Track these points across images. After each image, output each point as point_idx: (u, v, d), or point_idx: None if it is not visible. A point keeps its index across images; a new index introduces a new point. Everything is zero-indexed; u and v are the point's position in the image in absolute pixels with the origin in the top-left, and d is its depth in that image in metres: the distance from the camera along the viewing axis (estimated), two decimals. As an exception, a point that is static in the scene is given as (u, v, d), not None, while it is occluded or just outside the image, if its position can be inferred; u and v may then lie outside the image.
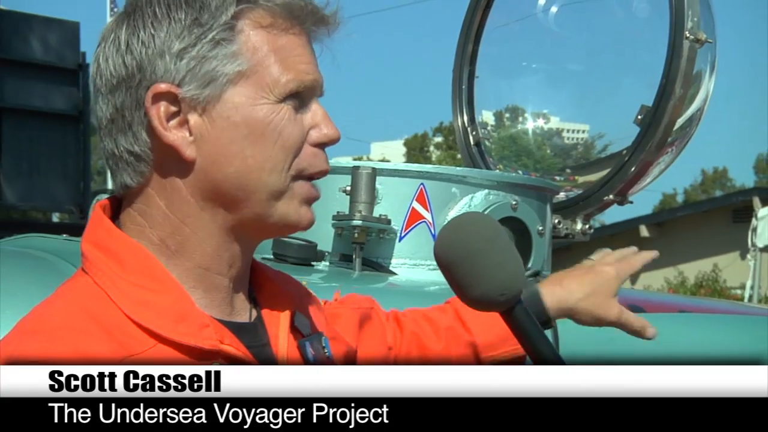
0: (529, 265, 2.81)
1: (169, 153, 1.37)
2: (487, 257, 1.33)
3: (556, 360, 1.34)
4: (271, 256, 2.52)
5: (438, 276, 1.42)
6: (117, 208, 1.44)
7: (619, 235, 21.24)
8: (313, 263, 2.60)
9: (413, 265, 2.70)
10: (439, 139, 46.08)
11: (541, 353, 1.35)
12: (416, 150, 46.73)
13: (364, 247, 2.63)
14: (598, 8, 3.72)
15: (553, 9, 3.69)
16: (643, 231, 22.18)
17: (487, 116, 3.83)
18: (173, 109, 1.36)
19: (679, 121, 3.20)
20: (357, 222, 2.60)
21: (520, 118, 3.81)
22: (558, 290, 1.83)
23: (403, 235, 2.70)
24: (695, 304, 3.65)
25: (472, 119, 3.74)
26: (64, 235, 2.67)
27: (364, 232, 2.62)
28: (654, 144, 3.18)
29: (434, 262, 1.39)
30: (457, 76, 3.77)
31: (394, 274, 2.68)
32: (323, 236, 2.63)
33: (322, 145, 1.43)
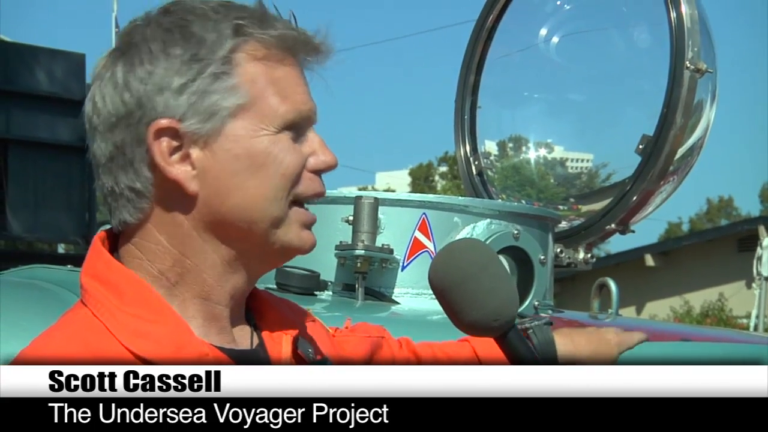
0: (531, 295, 2.82)
1: (172, 188, 1.38)
2: (480, 282, 1.34)
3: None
4: (274, 286, 2.53)
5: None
6: (116, 240, 1.45)
7: (625, 264, 21.19)
8: (316, 293, 2.60)
9: (416, 295, 2.70)
10: (444, 168, 46.01)
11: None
12: (421, 180, 46.67)
13: (367, 277, 2.64)
14: (598, 38, 3.73)
15: (555, 39, 3.71)
16: (649, 260, 22.11)
17: (490, 146, 3.84)
18: (175, 144, 1.37)
19: (680, 151, 3.20)
20: (360, 251, 2.61)
21: (523, 148, 3.81)
22: (569, 343, 1.96)
23: (405, 264, 2.71)
24: (698, 333, 3.65)
25: (474, 149, 3.75)
26: (69, 266, 2.67)
27: (366, 262, 2.62)
28: (655, 173, 3.19)
29: (437, 292, 1.39)
30: (460, 106, 3.78)
31: (397, 303, 2.69)
32: (326, 266, 2.64)
33: (319, 172, 1.45)
